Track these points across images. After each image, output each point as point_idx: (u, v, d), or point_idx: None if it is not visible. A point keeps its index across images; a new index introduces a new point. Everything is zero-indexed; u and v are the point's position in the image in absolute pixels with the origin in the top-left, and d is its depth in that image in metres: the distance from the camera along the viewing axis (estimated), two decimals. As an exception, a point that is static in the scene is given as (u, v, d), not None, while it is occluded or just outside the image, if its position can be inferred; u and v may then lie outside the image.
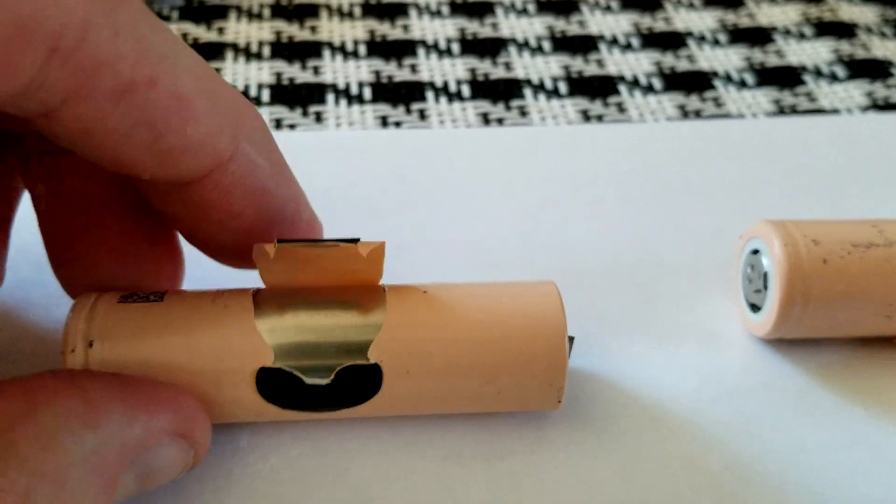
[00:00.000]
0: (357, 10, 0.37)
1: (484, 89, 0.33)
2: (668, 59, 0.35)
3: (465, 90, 0.33)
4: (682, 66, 0.35)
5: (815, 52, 0.36)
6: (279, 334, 0.19)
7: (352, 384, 0.20)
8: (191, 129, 0.17)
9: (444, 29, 0.36)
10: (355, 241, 0.19)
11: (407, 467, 0.21)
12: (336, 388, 0.20)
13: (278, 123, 0.31)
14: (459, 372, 0.20)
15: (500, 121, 0.32)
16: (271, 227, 0.20)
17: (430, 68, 0.34)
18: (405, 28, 0.36)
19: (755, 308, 0.24)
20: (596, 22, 0.37)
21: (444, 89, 0.33)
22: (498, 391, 0.20)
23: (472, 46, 0.35)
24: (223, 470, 0.21)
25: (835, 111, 0.33)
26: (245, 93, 0.32)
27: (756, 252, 0.24)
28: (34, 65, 0.14)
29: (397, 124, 0.31)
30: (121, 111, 0.15)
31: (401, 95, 0.33)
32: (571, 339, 0.21)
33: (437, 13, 0.37)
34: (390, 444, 0.21)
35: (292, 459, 0.21)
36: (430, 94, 0.33)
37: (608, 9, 0.38)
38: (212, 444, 0.19)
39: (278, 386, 0.19)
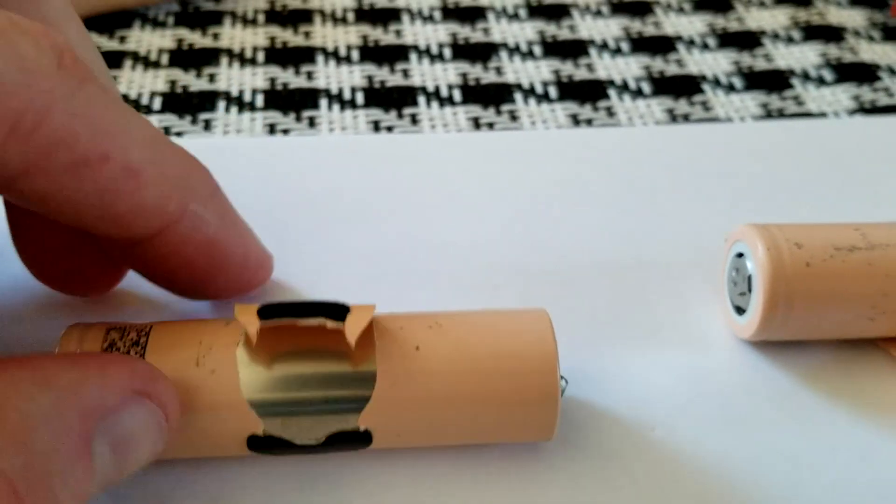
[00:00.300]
0: (350, 16, 0.37)
1: (475, 94, 0.34)
2: (658, 64, 0.35)
3: (457, 95, 0.34)
4: (672, 70, 0.35)
5: (804, 56, 0.36)
6: (268, 394, 0.19)
7: (342, 445, 0.20)
8: (140, 196, 0.18)
9: (436, 34, 0.37)
10: (345, 310, 0.19)
11: (400, 498, 0.21)
12: (326, 446, 0.20)
13: (272, 128, 0.32)
14: (450, 429, 0.20)
15: (490, 125, 0.32)
16: (221, 272, 0.21)
17: (421, 73, 0.35)
18: (398, 33, 0.37)
19: (740, 311, 0.24)
20: (586, 27, 0.37)
21: (436, 94, 0.34)
22: (488, 438, 0.21)
23: (464, 51, 0.36)
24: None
25: (822, 115, 0.33)
26: (239, 98, 0.33)
27: (741, 255, 0.24)
28: None
29: (389, 129, 0.32)
30: (75, 184, 0.17)
31: (393, 100, 0.33)
32: (565, 382, 0.21)
33: (429, 18, 0.37)
34: (382, 475, 0.21)
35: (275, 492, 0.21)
36: (421, 99, 0.33)
37: (598, 13, 0.38)
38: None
39: (268, 445, 0.19)
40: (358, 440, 0.20)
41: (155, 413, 0.17)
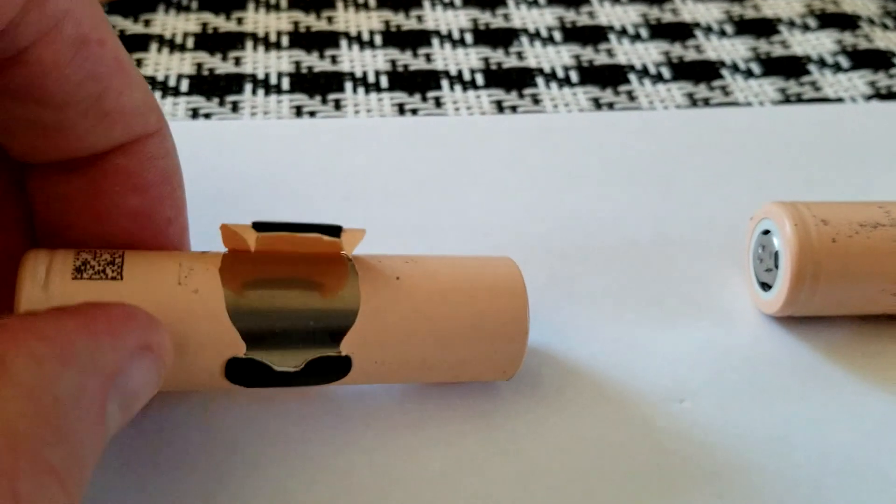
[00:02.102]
0: (372, 2, 0.38)
1: (497, 78, 0.34)
2: (677, 49, 0.36)
3: (479, 79, 0.34)
4: (690, 55, 0.36)
5: (819, 43, 0.37)
6: (249, 319, 0.19)
7: (320, 369, 0.20)
8: (127, 94, 0.19)
9: (458, 20, 0.37)
10: (338, 229, 0.19)
11: (369, 437, 0.22)
12: (305, 373, 0.20)
13: (299, 111, 0.32)
14: (426, 359, 0.21)
15: (513, 108, 0.33)
16: (161, 215, 0.20)
17: (444, 58, 0.35)
18: (419, 19, 0.37)
19: (766, 287, 0.25)
20: (605, 13, 0.38)
21: (459, 78, 0.34)
22: (462, 369, 0.21)
23: (485, 37, 0.36)
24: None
25: (839, 100, 0.34)
26: (266, 81, 0.33)
27: (767, 232, 0.25)
28: (16, 7, 0.16)
29: (414, 111, 0.32)
30: (76, 62, 0.17)
31: (417, 84, 0.34)
32: None
33: (450, 4, 0.38)
34: (352, 415, 0.22)
35: (252, 428, 0.22)
36: (444, 83, 0.34)
37: (617, 0, 0.39)
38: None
39: (247, 371, 0.19)
40: (337, 367, 0.20)
41: (156, 364, 0.18)
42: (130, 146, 0.19)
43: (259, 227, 0.19)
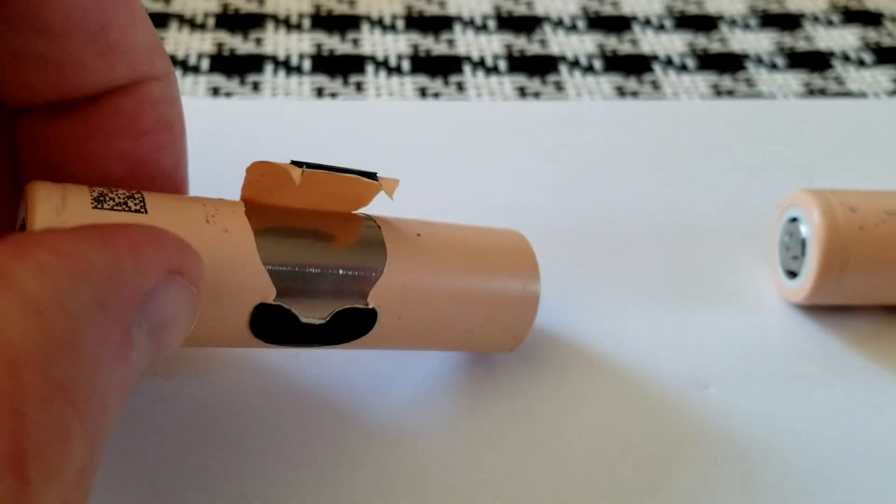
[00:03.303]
0: (394, -13, 0.38)
1: (520, 64, 0.34)
2: (701, 41, 0.36)
3: (502, 65, 0.34)
4: (715, 47, 0.35)
5: (843, 39, 0.36)
6: (280, 265, 0.18)
7: (345, 324, 0.19)
8: (133, 31, 0.17)
9: (480, 6, 0.37)
10: (373, 174, 0.19)
11: (376, 403, 0.22)
12: (330, 327, 0.19)
13: (319, 92, 0.32)
14: (443, 318, 0.21)
15: (536, 95, 0.32)
16: (155, 176, 0.19)
17: (466, 43, 0.35)
18: (441, 5, 0.37)
19: (792, 275, 0.25)
20: (629, 3, 0.38)
21: (481, 63, 0.34)
22: (474, 333, 0.21)
23: (508, 23, 0.36)
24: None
25: (862, 95, 0.33)
26: (286, 62, 0.33)
27: (794, 220, 0.24)
28: None
29: (436, 95, 0.32)
30: None
31: (439, 68, 0.33)
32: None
33: (472, -9, 0.38)
34: (360, 381, 0.22)
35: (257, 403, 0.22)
36: (467, 68, 0.33)
37: (640, -9, 0.39)
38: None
39: (272, 322, 0.18)
40: (362, 321, 0.19)
41: (189, 291, 0.16)
42: (132, 87, 0.18)
43: (299, 164, 0.18)
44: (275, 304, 0.18)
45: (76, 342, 0.12)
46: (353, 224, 0.20)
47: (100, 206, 0.16)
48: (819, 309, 0.25)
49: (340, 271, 0.19)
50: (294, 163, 0.18)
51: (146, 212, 0.17)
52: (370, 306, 0.19)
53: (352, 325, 0.19)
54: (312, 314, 0.19)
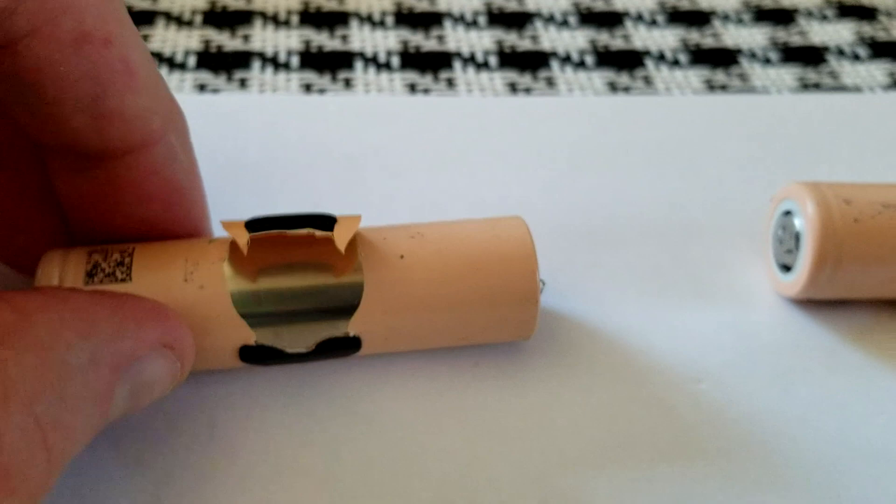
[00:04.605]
0: (384, -17, 0.37)
1: (511, 60, 0.33)
2: (694, 36, 0.35)
3: (493, 61, 0.33)
4: (708, 42, 0.35)
5: (837, 33, 0.36)
6: (257, 306, 0.20)
7: (331, 349, 0.20)
8: (130, 98, 0.17)
9: (471, 2, 0.37)
10: (332, 220, 0.20)
11: (388, 400, 0.22)
12: (316, 354, 0.20)
13: (308, 88, 0.31)
14: (435, 332, 0.21)
15: (527, 90, 0.32)
16: (170, 228, 0.20)
17: (456, 39, 0.34)
18: (431, 1, 0.36)
19: (786, 269, 0.24)
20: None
21: (472, 59, 0.33)
22: (472, 339, 0.21)
23: (499, 19, 0.36)
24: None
25: (857, 89, 0.33)
26: (274, 59, 0.33)
27: (788, 213, 0.24)
28: None
29: (425, 91, 0.32)
30: (73, 60, 0.16)
31: (428, 64, 0.33)
32: (543, 283, 0.21)
33: (463, -13, 0.37)
34: (369, 379, 0.22)
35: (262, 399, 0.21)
36: (457, 64, 0.33)
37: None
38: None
39: (259, 355, 0.20)
40: (348, 346, 0.20)
41: (174, 364, 0.18)
42: (131, 157, 0.19)
43: (252, 225, 0.19)
44: (257, 344, 0.19)
45: (63, 389, 0.15)
46: (345, 250, 0.20)
47: (91, 280, 0.19)
48: (813, 303, 0.24)
49: (317, 304, 0.20)
50: (249, 224, 0.19)
51: (131, 279, 0.19)
52: (351, 335, 0.20)
53: (338, 349, 0.20)
54: (296, 346, 0.20)
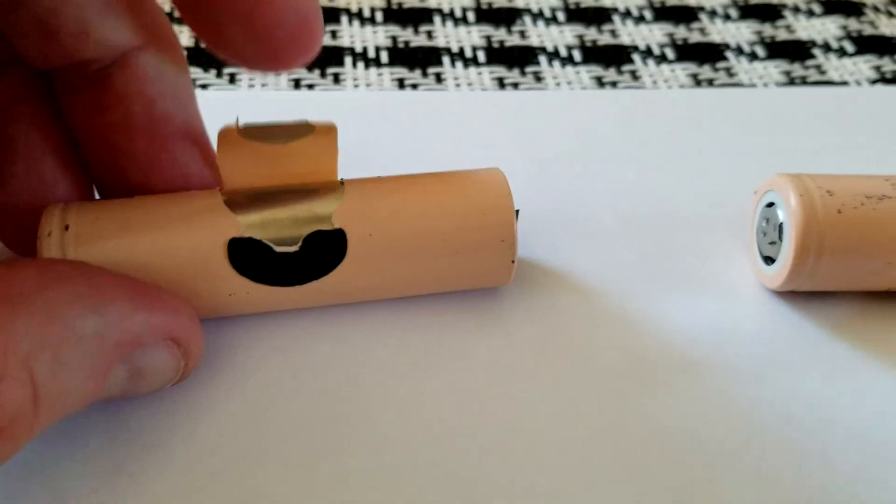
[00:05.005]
0: (373, -20, 0.38)
1: (499, 55, 0.34)
2: (681, 31, 0.36)
3: (481, 56, 0.34)
4: (695, 38, 0.35)
5: (824, 28, 0.36)
6: (245, 203, 0.20)
7: (319, 253, 0.21)
8: (65, 15, 0.18)
9: (460, -1, 0.37)
10: (307, 124, 0.21)
11: (368, 355, 0.22)
12: (304, 257, 0.20)
13: (297, 83, 0.32)
14: (417, 235, 0.21)
15: (515, 85, 0.32)
16: (173, 125, 0.21)
17: (445, 35, 0.35)
18: (421, -3, 0.37)
19: (769, 260, 0.24)
20: (609, -5, 0.38)
21: (461, 55, 0.34)
22: (455, 252, 0.21)
23: (488, 15, 0.36)
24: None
25: (843, 84, 0.33)
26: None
27: (771, 205, 0.24)
28: None
29: (414, 86, 0.32)
30: None
31: (417, 59, 0.33)
32: (516, 211, 0.22)
33: (452, -16, 0.38)
34: (356, 328, 0.23)
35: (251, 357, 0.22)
36: (446, 59, 0.33)
37: (621, -17, 0.38)
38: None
39: (250, 258, 0.20)
40: (334, 243, 0.21)
41: (177, 360, 0.19)
42: (118, 71, 0.19)
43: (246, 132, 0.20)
44: (245, 237, 0.20)
45: (62, 353, 0.16)
46: (327, 182, 0.21)
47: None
48: (797, 295, 0.25)
49: (303, 206, 0.21)
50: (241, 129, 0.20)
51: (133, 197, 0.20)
52: (336, 226, 0.20)
53: (326, 252, 0.21)
54: (284, 243, 0.20)
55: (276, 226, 0.20)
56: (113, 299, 0.17)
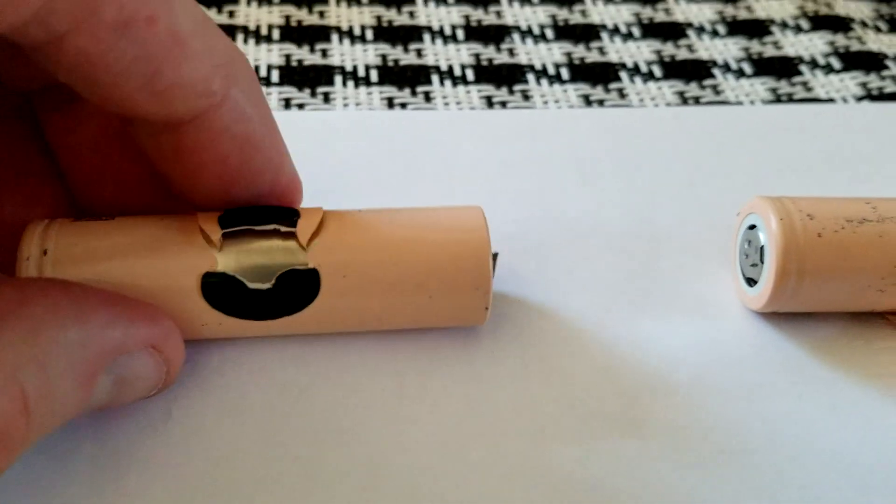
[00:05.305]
0: (364, -3, 0.38)
1: (488, 74, 0.34)
2: (669, 49, 0.36)
3: (470, 74, 0.34)
4: (682, 55, 0.36)
5: (812, 45, 0.37)
6: (223, 248, 0.20)
7: (292, 290, 0.21)
8: (185, 68, 0.17)
9: (450, 16, 0.37)
10: (294, 217, 0.21)
11: (347, 385, 0.23)
12: (277, 293, 0.21)
13: (287, 103, 0.32)
14: (392, 276, 0.21)
15: (503, 104, 0.33)
16: (255, 177, 0.21)
17: (435, 53, 0.35)
18: (411, 14, 0.37)
19: (751, 282, 0.25)
20: (598, 12, 0.38)
21: (449, 73, 0.34)
22: (429, 296, 0.22)
23: (477, 33, 0.36)
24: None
25: (830, 101, 0.34)
26: (256, 72, 0.33)
27: (753, 227, 0.24)
28: None
29: (403, 105, 0.32)
30: (121, 45, 0.16)
31: (407, 78, 0.33)
32: (495, 254, 0.22)
33: (442, 1, 0.38)
34: (333, 364, 0.23)
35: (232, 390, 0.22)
36: (435, 78, 0.34)
37: (610, 0, 0.39)
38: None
39: (223, 294, 0.20)
40: (307, 281, 0.21)
41: (160, 367, 0.19)
42: (195, 123, 0.19)
43: (225, 219, 0.21)
44: (219, 272, 0.20)
45: (49, 363, 0.16)
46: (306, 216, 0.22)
47: (78, 220, 0.21)
48: (780, 316, 0.25)
49: (279, 247, 0.21)
50: (222, 218, 0.21)
51: (113, 219, 0.21)
52: (310, 266, 0.21)
53: (299, 289, 0.21)
54: (258, 280, 0.20)
55: (251, 262, 0.20)
56: (94, 310, 0.18)
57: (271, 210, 0.21)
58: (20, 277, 0.19)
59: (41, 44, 0.16)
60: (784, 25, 0.38)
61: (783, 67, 0.35)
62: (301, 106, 0.32)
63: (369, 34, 0.36)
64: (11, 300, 0.16)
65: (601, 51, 0.36)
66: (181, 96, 0.18)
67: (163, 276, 0.20)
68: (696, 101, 0.33)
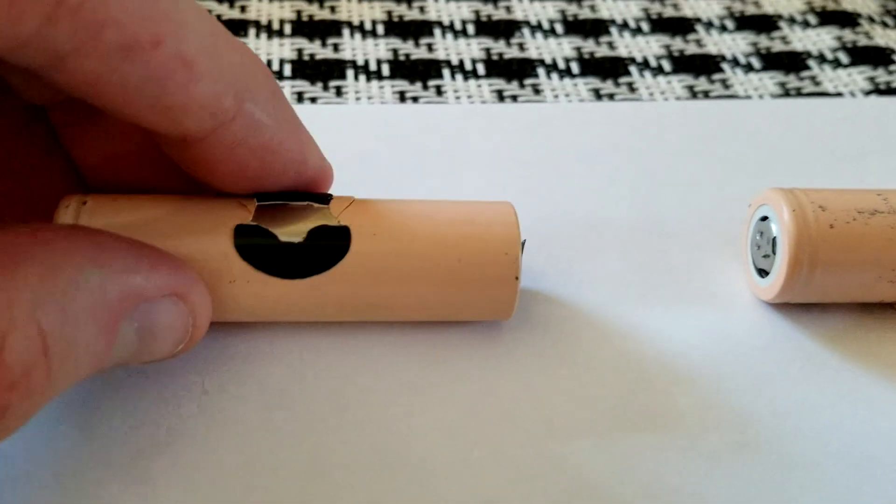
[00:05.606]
0: (374, -8, 0.38)
1: (498, 68, 0.34)
2: (678, 43, 0.36)
3: (481, 68, 0.34)
4: (691, 49, 0.36)
5: (820, 40, 0.37)
6: (258, 213, 0.21)
7: (323, 245, 0.21)
8: (193, 89, 0.17)
9: (460, 11, 0.37)
10: (328, 198, 0.22)
11: (375, 375, 0.23)
12: (308, 248, 0.21)
13: (300, 97, 0.32)
14: (422, 244, 0.22)
15: (514, 98, 0.33)
16: (278, 177, 0.21)
17: (445, 48, 0.35)
18: (422, 9, 0.37)
19: (763, 273, 0.25)
20: (607, 7, 0.38)
21: (460, 67, 0.34)
22: (457, 271, 0.22)
23: (487, 28, 0.36)
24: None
25: (838, 95, 0.34)
26: (267, 66, 0.33)
27: (765, 219, 0.25)
28: (39, 16, 0.14)
29: (415, 99, 0.32)
30: (125, 68, 0.16)
31: (418, 72, 0.34)
32: (523, 241, 0.23)
33: (452, -4, 0.38)
34: (362, 357, 0.23)
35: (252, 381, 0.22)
36: (446, 72, 0.34)
37: (618, -5, 0.39)
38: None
39: (254, 245, 0.21)
40: (337, 237, 0.21)
41: (185, 316, 0.19)
42: (210, 138, 0.18)
43: (260, 197, 0.21)
44: (252, 224, 0.21)
45: (67, 303, 0.16)
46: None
47: None
48: (791, 307, 0.25)
49: (308, 199, 0.21)
50: (258, 195, 0.21)
51: None
52: (341, 223, 0.21)
53: (330, 244, 0.21)
54: (289, 234, 0.21)
55: (284, 218, 0.21)
56: (114, 255, 0.17)
57: (304, 194, 0.22)
58: (41, 222, 0.18)
59: (43, 66, 0.16)
60: (792, 20, 0.38)
61: (791, 62, 0.35)
62: (314, 99, 0.32)
63: (380, 29, 0.36)
64: (29, 242, 0.16)
65: (611, 45, 0.36)
66: (190, 116, 0.18)
67: (198, 222, 0.21)
68: (705, 95, 0.33)
